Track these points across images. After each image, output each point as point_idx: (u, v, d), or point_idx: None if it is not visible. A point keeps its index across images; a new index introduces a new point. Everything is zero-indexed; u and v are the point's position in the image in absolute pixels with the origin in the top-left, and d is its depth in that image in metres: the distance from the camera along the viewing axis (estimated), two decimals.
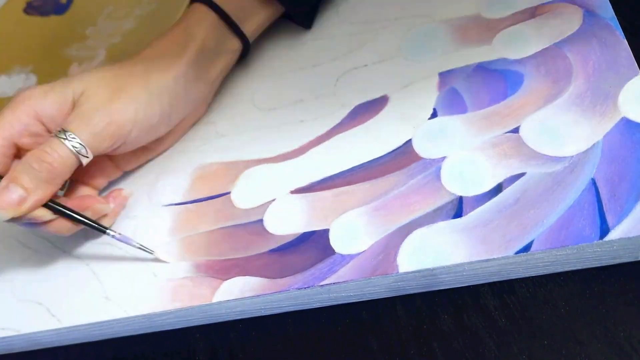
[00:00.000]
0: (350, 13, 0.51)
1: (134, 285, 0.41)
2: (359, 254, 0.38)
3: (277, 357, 0.38)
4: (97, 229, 0.42)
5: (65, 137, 0.40)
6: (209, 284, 0.40)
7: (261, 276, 0.39)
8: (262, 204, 0.42)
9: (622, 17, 0.42)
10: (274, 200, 0.42)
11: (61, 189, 0.43)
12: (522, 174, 0.38)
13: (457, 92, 0.43)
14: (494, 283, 0.37)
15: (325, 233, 0.39)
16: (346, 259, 0.38)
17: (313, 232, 0.40)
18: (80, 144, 0.40)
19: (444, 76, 0.44)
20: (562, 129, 0.39)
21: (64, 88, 0.42)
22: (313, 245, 0.39)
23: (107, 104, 0.41)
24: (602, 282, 0.35)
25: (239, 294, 0.39)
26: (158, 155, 0.47)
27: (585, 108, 0.39)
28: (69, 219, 0.41)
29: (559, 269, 0.36)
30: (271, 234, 0.41)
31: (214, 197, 0.44)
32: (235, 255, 0.41)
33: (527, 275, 0.37)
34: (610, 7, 0.43)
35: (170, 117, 0.45)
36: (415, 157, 0.41)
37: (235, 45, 0.47)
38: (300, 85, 0.48)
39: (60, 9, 0.63)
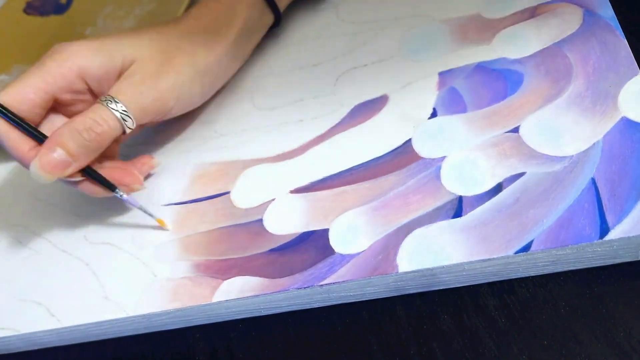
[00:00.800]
0: (350, 13, 0.51)
1: (134, 285, 0.41)
2: (358, 253, 0.38)
3: (277, 357, 0.38)
4: (107, 185, 0.42)
5: (116, 108, 0.40)
6: (208, 284, 0.40)
7: (261, 276, 0.39)
8: (262, 204, 0.42)
9: (622, 17, 0.42)
10: (273, 200, 0.42)
11: None
12: (522, 174, 0.38)
13: (457, 91, 0.43)
14: (494, 283, 0.37)
15: (325, 233, 0.39)
16: (346, 258, 0.38)
17: (313, 232, 0.40)
18: (129, 116, 0.41)
19: (444, 76, 0.44)
20: (562, 129, 0.39)
21: (114, 52, 0.42)
22: (313, 245, 0.39)
23: (156, 79, 0.42)
24: (602, 282, 0.35)
25: (239, 293, 0.39)
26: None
27: (585, 108, 0.39)
28: (97, 183, 0.42)
29: (559, 269, 0.36)
30: (271, 233, 0.41)
31: (214, 196, 0.44)
32: (235, 255, 0.41)
33: (527, 275, 0.37)
34: (610, 7, 0.43)
35: (206, 96, 0.46)
36: (415, 157, 0.41)
37: (269, 20, 0.48)
38: (300, 85, 0.48)
39: (60, 9, 0.63)
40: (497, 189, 0.38)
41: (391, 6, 0.49)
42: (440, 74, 0.44)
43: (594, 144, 0.38)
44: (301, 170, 0.43)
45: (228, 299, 0.39)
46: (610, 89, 0.39)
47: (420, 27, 0.47)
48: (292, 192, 0.42)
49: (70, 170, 0.40)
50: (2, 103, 0.40)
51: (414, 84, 0.44)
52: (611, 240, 0.34)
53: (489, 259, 0.35)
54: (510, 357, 0.34)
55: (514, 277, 0.37)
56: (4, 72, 0.60)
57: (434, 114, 0.42)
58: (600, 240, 0.34)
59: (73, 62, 0.41)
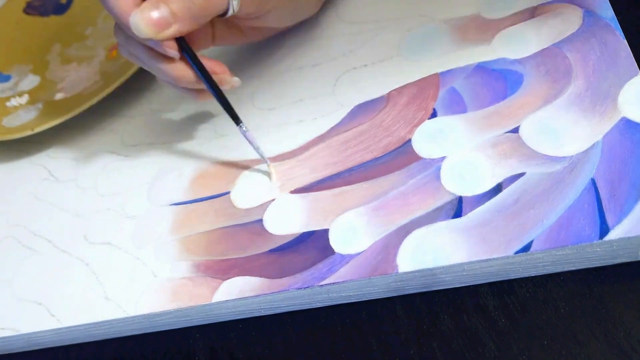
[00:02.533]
0: (350, 13, 0.51)
1: (134, 285, 0.41)
2: (358, 253, 0.38)
3: (277, 357, 0.38)
4: (200, 71, 0.40)
5: None
6: (208, 284, 0.40)
7: (261, 276, 0.39)
8: (262, 204, 0.42)
9: (622, 17, 0.42)
10: (273, 200, 0.42)
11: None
12: (522, 174, 0.38)
13: (456, 92, 0.43)
14: (494, 283, 0.37)
15: (324, 233, 0.39)
16: (346, 258, 0.38)
17: (313, 232, 0.40)
18: None
19: (444, 76, 0.44)
20: (562, 129, 0.39)
21: None
22: (313, 245, 0.39)
23: None
24: (602, 282, 0.35)
25: (239, 294, 0.39)
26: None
27: (585, 108, 0.39)
28: (193, 70, 0.40)
29: (559, 269, 0.36)
30: (271, 233, 0.41)
31: (214, 196, 0.44)
32: (235, 255, 0.41)
33: (527, 275, 0.37)
34: (610, 7, 0.43)
35: (294, 18, 0.47)
36: (415, 157, 0.41)
37: None
38: (299, 85, 0.48)
39: (60, 9, 0.63)
40: (497, 189, 0.38)
41: (391, 6, 0.49)
42: (441, 74, 0.44)
43: (593, 144, 0.38)
44: (301, 170, 0.43)
45: (228, 299, 0.39)
46: (610, 89, 0.39)
47: (420, 27, 0.47)
48: (292, 192, 0.42)
49: (170, 32, 0.38)
50: None
51: (414, 84, 0.44)
52: (611, 241, 0.34)
53: (489, 259, 0.35)
54: (510, 357, 0.34)
55: (514, 277, 0.37)
56: (4, 72, 0.60)
57: (434, 114, 0.42)
58: (600, 241, 0.34)
59: None
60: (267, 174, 0.43)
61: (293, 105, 0.47)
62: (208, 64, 0.41)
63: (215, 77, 0.41)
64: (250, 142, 0.42)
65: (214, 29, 0.44)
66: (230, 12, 0.40)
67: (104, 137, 0.51)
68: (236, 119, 0.42)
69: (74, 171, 0.50)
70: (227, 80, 0.42)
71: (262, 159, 0.43)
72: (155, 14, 0.37)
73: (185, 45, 0.40)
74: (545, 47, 0.43)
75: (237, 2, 0.40)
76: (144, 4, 0.38)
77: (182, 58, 0.41)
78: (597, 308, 0.35)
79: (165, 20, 0.38)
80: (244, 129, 0.42)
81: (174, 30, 0.38)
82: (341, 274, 0.37)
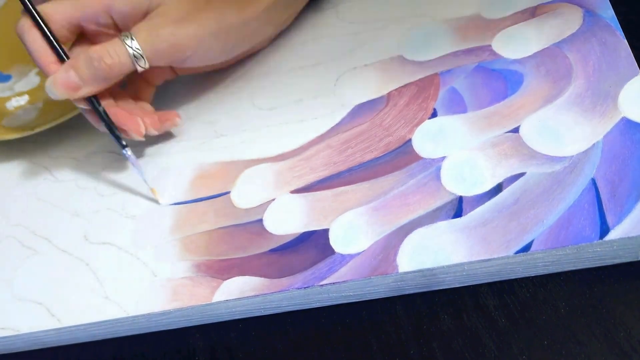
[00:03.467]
0: (350, 13, 0.50)
1: (134, 285, 0.41)
2: (358, 253, 0.38)
3: (277, 357, 0.38)
4: (106, 123, 0.45)
5: (130, 45, 0.42)
6: (208, 284, 0.40)
7: (261, 276, 0.39)
8: (262, 204, 0.42)
9: (622, 17, 0.42)
10: (273, 200, 0.42)
11: (121, 85, 0.47)
12: (522, 174, 0.38)
13: (457, 91, 0.43)
14: (494, 283, 0.37)
15: (325, 233, 0.39)
16: (346, 258, 0.38)
17: (313, 232, 0.40)
18: (142, 55, 0.43)
19: (444, 76, 0.44)
20: (562, 129, 0.39)
21: None
22: (313, 245, 0.39)
23: (178, 26, 0.43)
24: (602, 282, 0.35)
25: (239, 293, 0.39)
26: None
27: (585, 108, 0.39)
28: (98, 117, 0.44)
29: (559, 269, 0.36)
30: (271, 233, 0.41)
31: (214, 196, 0.44)
32: (235, 255, 0.41)
33: (527, 275, 0.37)
34: (611, 7, 0.43)
35: (229, 54, 0.47)
36: (415, 157, 0.41)
37: None
38: (300, 85, 0.48)
39: None
40: (497, 189, 0.38)
41: (391, 6, 0.49)
42: (441, 74, 0.44)
43: (594, 144, 0.38)
44: (301, 170, 0.43)
45: (228, 299, 0.39)
46: (610, 89, 0.39)
47: (420, 27, 0.47)
48: (292, 192, 0.42)
49: (80, 94, 0.43)
50: (42, 15, 0.43)
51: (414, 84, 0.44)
52: (611, 241, 0.34)
53: (489, 259, 0.35)
54: (510, 357, 0.34)
55: (514, 277, 0.37)
56: (4, 72, 0.60)
57: (434, 114, 0.42)
58: (600, 241, 0.34)
59: None
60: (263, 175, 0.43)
61: (293, 105, 0.47)
62: (120, 116, 0.45)
63: (122, 131, 0.45)
64: (132, 163, 0.45)
65: (151, 73, 0.47)
66: (140, 70, 0.43)
67: (104, 137, 0.51)
68: (111, 129, 0.45)
69: (74, 171, 0.49)
70: (132, 137, 0.45)
71: (145, 183, 0.45)
72: (66, 79, 0.43)
73: (94, 101, 0.44)
74: (545, 47, 0.43)
75: (145, 61, 0.43)
76: (59, 69, 0.43)
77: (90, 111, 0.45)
78: (597, 308, 0.35)
79: (75, 84, 0.43)
80: (124, 152, 0.45)
81: (83, 91, 0.43)
82: (341, 274, 0.37)
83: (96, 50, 0.43)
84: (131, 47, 0.42)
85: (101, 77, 0.43)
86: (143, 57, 0.43)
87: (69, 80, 0.43)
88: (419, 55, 0.46)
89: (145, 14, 0.44)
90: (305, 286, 0.38)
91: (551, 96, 0.40)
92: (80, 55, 0.43)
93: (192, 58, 0.44)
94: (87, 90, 0.43)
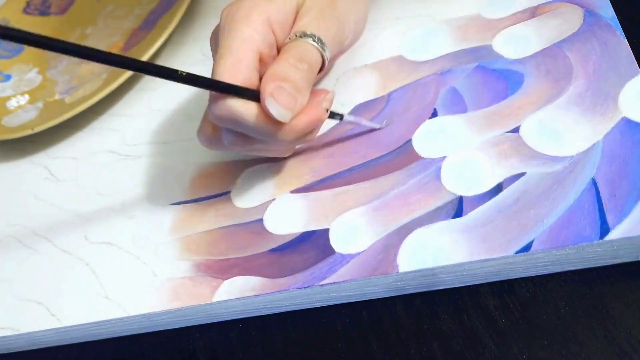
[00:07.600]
0: None
1: (134, 284, 0.41)
2: (359, 253, 0.38)
3: (277, 357, 0.38)
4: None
5: (313, 41, 0.38)
6: (208, 284, 0.40)
7: (261, 276, 0.39)
8: (262, 204, 0.42)
9: (622, 17, 0.42)
10: (273, 199, 0.42)
11: None
12: (522, 174, 0.38)
13: (457, 91, 0.43)
14: (494, 283, 0.37)
15: (325, 233, 0.39)
16: (346, 258, 0.38)
17: (313, 232, 0.40)
18: (325, 46, 0.39)
19: (444, 76, 0.44)
20: (563, 129, 0.39)
21: None
22: (313, 244, 0.39)
23: (331, 7, 0.40)
24: (602, 282, 0.35)
25: (239, 293, 0.39)
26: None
27: (586, 108, 0.39)
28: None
29: (559, 269, 0.36)
30: (271, 233, 0.41)
31: (214, 196, 0.44)
32: (235, 255, 0.41)
33: (527, 275, 0.37)
34: (611, 7, 0.43)
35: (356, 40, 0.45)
36: (415, 157, 0.41)
37: None
38: None
39: (61, 9, 0.63)
40: (498, 189, 0.38)
41: (391, 6, 0.49)
42: (441, 74, 0.44)
43: (594, 144, 0.38)
44: (302, 170, 0.43)
45: (228, 298, 0.39)
46: (610, 89, 0.39)
47: (420, 27, 0.47)
48: (292, 192, 0.42)
49: (299, 104, 0.37)
50: (225, 79, 0.37)
51: (414, 84, 0.44)
52: (611, 241, 0.34)
53: (489, 259, 0.35)
54: (510, 357, 0.34)
55: (514, 277, 0.37)
56: (4, 72, 0.60)
57: (434, 114, 0.42)
58: (601, 241, 0.34)
59: (258, 13, 0.39)
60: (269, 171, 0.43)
61: None
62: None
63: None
64: (357, 123, 0.43)
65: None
66: (326, 61, 0.40)
67: (104, 137, 0.51)
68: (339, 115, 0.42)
69: (74, 171, 0.49)
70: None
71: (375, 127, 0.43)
72: (286, 97, 0.36)
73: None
74: (545, 46, 0.43)
75: (328, 51, 0.39)
76: (273, 88, 0.36)
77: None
78: (597, 308, 0.35)
79: (294, 96, 0.37)
80: (345, 118, 0.42)
81: (302, 102, 0.37)
82: (341, 274, 0.37)
83: (292, 55, 0.38)
84: (314, 41, 0.38)
85: (310, 80, 0.38)
86: (326, 47, 0.39)
87: (288, 96, 0.36)
88: (419, 55, 0.46)
89: (295, 16, 0.40)
90: (306, 286, 0.38)
91: (551, 96, 0.40)
92: (277, 67, 0.37)
93: (350, 37, 0.43)
94: (303, 100, 0.38)
